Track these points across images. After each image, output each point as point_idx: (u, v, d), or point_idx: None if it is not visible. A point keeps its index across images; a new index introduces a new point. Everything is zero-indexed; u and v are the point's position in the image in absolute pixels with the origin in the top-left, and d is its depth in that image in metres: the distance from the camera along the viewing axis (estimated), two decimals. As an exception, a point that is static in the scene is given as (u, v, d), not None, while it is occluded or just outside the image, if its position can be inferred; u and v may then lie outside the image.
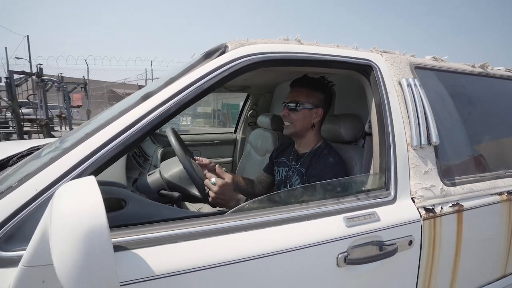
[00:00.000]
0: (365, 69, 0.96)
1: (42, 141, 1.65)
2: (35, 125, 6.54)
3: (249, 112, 2.24)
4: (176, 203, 1.05)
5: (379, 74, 0.94)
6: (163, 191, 0.99)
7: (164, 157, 1.99)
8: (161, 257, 0.55)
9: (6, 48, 11.58)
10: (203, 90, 0.69)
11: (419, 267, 0.82)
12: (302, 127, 1.18)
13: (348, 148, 1.20)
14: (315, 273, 0.68)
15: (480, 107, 1.19)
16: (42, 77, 6.95)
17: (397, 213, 0.79)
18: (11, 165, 1.01)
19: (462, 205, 0.89)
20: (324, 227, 0.70)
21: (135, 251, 0.54)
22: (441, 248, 0.85)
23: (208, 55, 0.77)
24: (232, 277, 0.59)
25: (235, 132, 2.40)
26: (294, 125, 1.17)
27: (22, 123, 5.99)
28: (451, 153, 0.99)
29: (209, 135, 2.30)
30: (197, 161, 1.10)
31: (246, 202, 0.70)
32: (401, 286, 0.81)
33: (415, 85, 0.96)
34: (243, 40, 0.85)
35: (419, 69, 1.04)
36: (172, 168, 1.03)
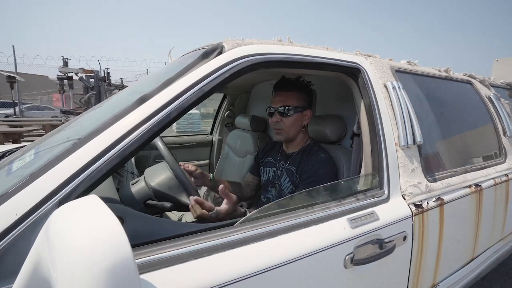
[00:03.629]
0: (354, 72, 0.98)
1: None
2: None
3: (226, 113, 2.19)
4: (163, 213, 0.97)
5: (367, 77, 0.97)
6: (150, 201, 0.91)
7: (137, 162, 1.85)
8: (172, 280, 0.50)
9: (13, 46, 10.36)
10: (204, 93, 0.64)
11: (411, 259, 0.87)
12: (295, 131, 1.16)
13: (333, 148, 1.23)
14: (324, 277, 0.67)
15: (447, 107, 1.31)
16: (111, 82, 7.49)
17: (392, 211, 0.83)
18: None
19: (443, 199, 0.96)
20: (331, 230, 0.70)
21: (143, 276, 0.48)
22: (428, 239, 0.91)
23: (206, 55, 0.72)
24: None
25: (211, 133, 2.33)
26: (287, 130, 1.14)
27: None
28: (430, 151, 1.07)
29: (185, 137, 2.20)
30: (182, 167, 1.03)
31: (253, 212, 0.67)
32: (397, 279, 0.85)
33: (398, 88, 1.01)
34: (239, 40, 0.81)
35: (399, 73, 1.11)
36: (158, 176, 0.95)
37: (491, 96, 1.50)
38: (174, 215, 1.41)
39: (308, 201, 0.75)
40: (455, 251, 1.07)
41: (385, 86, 1.00)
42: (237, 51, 0.74)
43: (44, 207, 0.44)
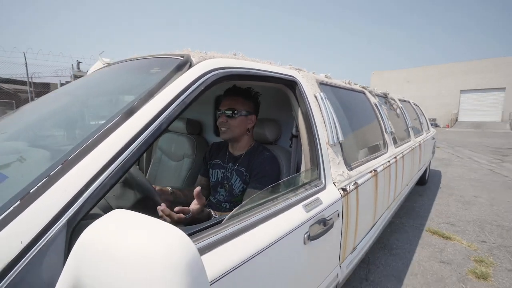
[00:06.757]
0: (291, 84, 1.18)
1: None
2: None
3: (157, 116, 2.10)
4: None
5: (302, 88, 1.19)
6: None
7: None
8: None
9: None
10: (186, 105, 0.69)
11: (341, 230, 1.13)
12: (239, 132, 1.29)
13: (272, 147, 1.42)
14: (292, 253, 0.83)
15: (352, 111, 1.70)
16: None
17: (329, 196, 1.06)
18: None
19: (358, 182, 1.28)
20: (294, 215, 0.86)
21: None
22: (350, 214, 1.20)
23: (179, 68, 0.76)
24: (238, 278, 0.65)
25: (139, 137, 2.18)
26: (231, 130, 1.27)
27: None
28: (346, 146, 1.39)
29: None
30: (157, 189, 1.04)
31: (235, 209, 0.76)
32: (335, 246, 1.10)
33: (324, 98, 1.27)
34: (203, 53, 0.87)
35: (322, 85, 1.38)
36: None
37: (376, 103, 2.02)
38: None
39: (273, 195, 0.90)
40: (365, 220, 1.43)
41: (315, 96, 1.24)
42: (205, 64, 0.80)
43: (52, 229, 0.42)
